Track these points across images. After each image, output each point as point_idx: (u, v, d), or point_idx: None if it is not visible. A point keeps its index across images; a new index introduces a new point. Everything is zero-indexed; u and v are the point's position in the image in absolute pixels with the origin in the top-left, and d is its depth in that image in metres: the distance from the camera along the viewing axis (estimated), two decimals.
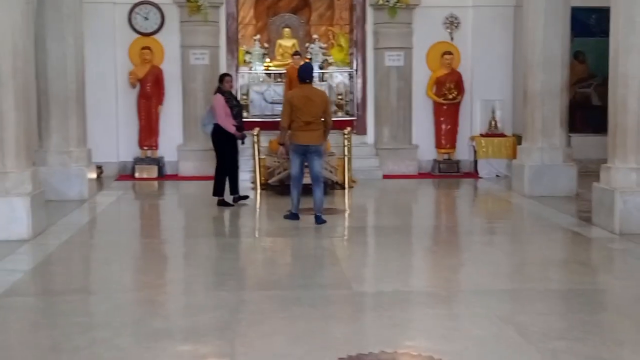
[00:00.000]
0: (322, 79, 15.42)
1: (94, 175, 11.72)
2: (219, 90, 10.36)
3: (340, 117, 14.45)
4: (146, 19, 13.65)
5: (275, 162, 11.61)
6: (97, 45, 13.07)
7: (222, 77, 10.52)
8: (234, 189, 10.58)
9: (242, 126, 10.49)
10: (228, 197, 10.57)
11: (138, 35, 13.65)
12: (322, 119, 9.25)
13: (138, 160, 13.57)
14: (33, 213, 8.18)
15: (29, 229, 8.14)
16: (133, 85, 13.52)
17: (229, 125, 10.20)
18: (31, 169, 8.48)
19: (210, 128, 10.36)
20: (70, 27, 11.07)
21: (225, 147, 10.39)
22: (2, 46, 7.98)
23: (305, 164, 9.39)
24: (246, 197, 10.71)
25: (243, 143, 10.61)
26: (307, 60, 14.84)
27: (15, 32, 8.09)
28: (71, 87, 11.13)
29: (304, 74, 9.42)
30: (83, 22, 11.59)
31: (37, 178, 8.68)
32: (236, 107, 10.41)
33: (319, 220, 9.17)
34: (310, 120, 9.15)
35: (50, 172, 10.72)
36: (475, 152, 13.84)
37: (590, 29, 13.99)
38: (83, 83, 11.55)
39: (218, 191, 10.47)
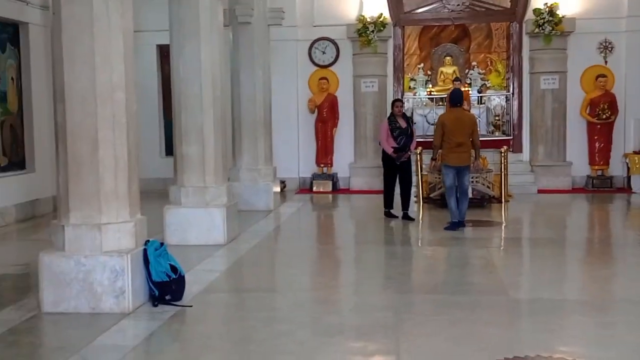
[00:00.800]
0: (480, 102, 15.17)
1: (278, 189, 12.03)
2: (391, 114, 10.29)
3: (497, 136, 14.16)
4: (324, 53, 13.92)
5: (436, 178, 11.45)
6: (281, 77, 13.44)
7: (393, 103, 10.45)
8: (405, 204, 10.30)
9: (403, 147, 10.06)
10: (398, 210, 10.36)
11: (316, 68, 13.92)
12: (471, 140, 9.35)
13: (315, 176, 13.82)
14: (228, 222, 8.50)
15: (224, 235, 8.45)
16: (312, 111, 13.80)
17: (388, 147, 10.06)
18: (226, 184, 8.79)
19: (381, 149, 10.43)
20: (260, 62, 11.46)
21: (387, 165, 10.24)
22: (204, 80, 8.37)
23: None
24: (412, 219, 10.25)
25: (398, 163, 10.14)
26: (466, 86, 14.69)
27: (215, 67, 8.47)
28: (259, 113, 11.49)
29: (455, 98, 9.53)
30: (270, 57, 11.97)
31: (231, 192, 9.00)
32: (397, 130, 10.06)
33: (461, 225, 9.40)
34: (461, 142, 9.24)
35: (242, 186, 11.11)
36: (628, 168, 13.09)
37: None
38: (270, 109, 11.90)
39: (385, 203, 10.46)
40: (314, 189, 13.69)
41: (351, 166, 13.87)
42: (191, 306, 5.81)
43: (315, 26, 13.82)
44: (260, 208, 11.14)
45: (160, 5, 8.77)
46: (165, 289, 5.83)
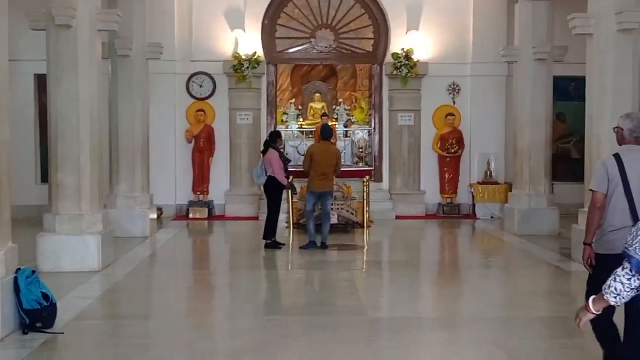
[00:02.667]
0: (345, 135, 15.25)
1: (154, 216, 11.67)
2: (273, 146, 9.81)
3: (360, 167, 14.27)
4: (201, 86, 13.72)
5: (304, 205, 11.38)
6: (160, 108, 13.11)
7: (277, 135, 10.07)
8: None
9: (288, 176, 10.01)
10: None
11: (194, 100, 13.69)
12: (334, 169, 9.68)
13: (192, 203, 13.51)
14: (103, 248, 8.13)
15: (99, 262, 8.07)
16: (189, 141, 13.53)
17: (283, 178, 9.74)
18: (102, 212, 8.45)
19: (263, 179, 9.77)
20: (139, 94, 11.16)
21: (279, 195, 9.95)
22: (82, 112, 7.99)
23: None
24: (282, 244, 10.02)
25: (295, 193, 10.18)
26: (333, 120, 14.84)
27: (92, 100, 8.12)
28: (138, 143, 11.18)
29: (325, 133, 9.82)
30: (149, 89, 11.67)
31: (107, 219, 8.65)
32: (287, 162, 9.99)
33: (324, 246, 9.57)
34: (326, 171, 9.58)
35: (119, 213, 10.68)
36: (473, 197, 13.64)
37: (569, 94, 13.85)
38: (148, 139, 11.58)
39: (271, 234, 9.83)
40: (190, 215, 13.39)
41: (226, 194, 13.71)
42: (62, 333, 5.51)
43: (192, 61, 13.62)
44: (137, 234, 10.75)
45: (40, 35, 8.34)
46: (36, 316, 5.51)
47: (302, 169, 10.17)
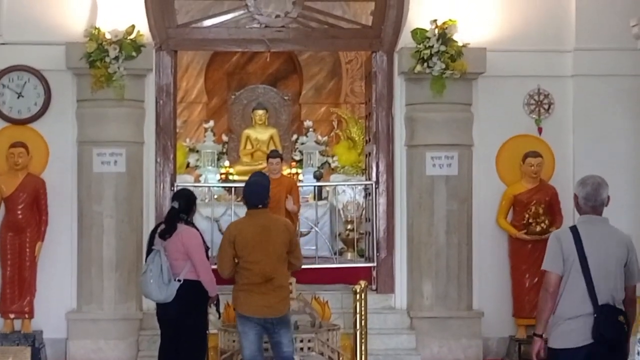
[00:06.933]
0: (319, 196, 15.20)
1: None
2: (186, 221, 10.22)
3: (349, 261, 14.27)
4: (20, 95, 13.25)
5: (233, 342, 11.23)
6: None
7: (193, 199, 10.44)
8: None
9: None
10: None
11: (6, 124, 13.27)
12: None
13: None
14: None
15: None
16: None
17: (214, 284, 10.11)
18: None
19: (173, 290, 9.93)
20: None
21: (204, 319, 10.31)
22: None
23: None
24: None
25: (219, 315, 10.76)
26: (292, 165, 15.01)
27: None
28: None
29: (253, 193, 9.81)
30: None
31: None
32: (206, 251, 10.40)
33: None
34: (269, 274, 9.51)
35: None
36: None
37: None
38: None
39: None
40: None
41: (70, 318, 13.08)
42: None
43: (4, 44, 13.27)
44: None
45: None
46: None
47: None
